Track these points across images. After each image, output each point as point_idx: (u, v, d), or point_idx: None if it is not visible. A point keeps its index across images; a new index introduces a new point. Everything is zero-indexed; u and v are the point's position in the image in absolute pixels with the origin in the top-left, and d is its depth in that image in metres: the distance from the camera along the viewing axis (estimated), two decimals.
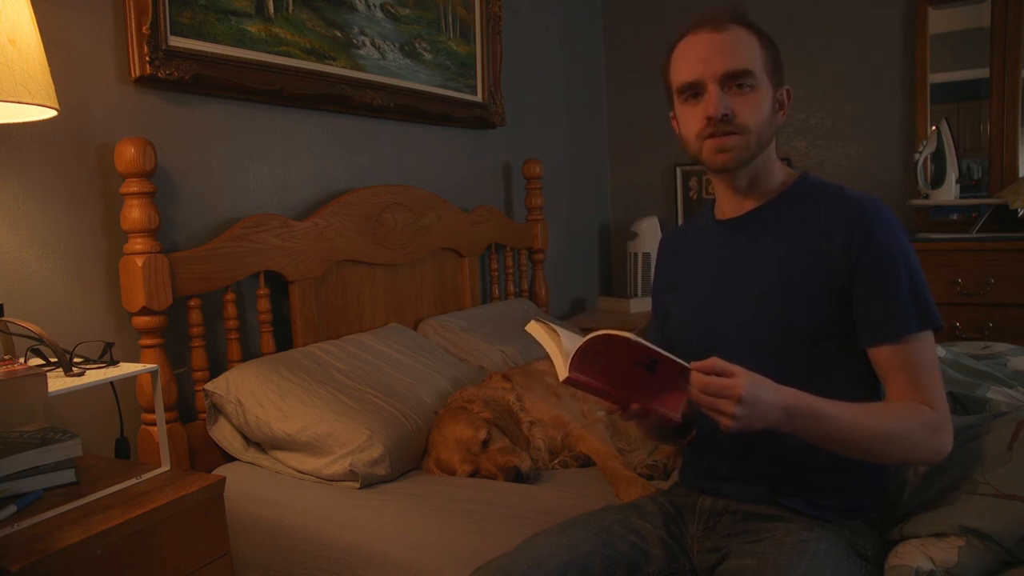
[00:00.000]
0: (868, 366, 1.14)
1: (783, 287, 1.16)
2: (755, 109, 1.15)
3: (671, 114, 1.27)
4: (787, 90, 1.22)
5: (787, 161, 3.35)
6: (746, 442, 1.15)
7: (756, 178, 1.22)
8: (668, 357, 1.00)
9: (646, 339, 1.02)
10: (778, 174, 1.24)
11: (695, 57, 1.15)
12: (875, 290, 1.10)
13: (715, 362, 0.99)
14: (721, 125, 1.13)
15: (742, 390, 0.96)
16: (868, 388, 1.16)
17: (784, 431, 1.02)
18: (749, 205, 1.24)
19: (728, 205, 1.27)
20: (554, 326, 1.06)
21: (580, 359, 0.99)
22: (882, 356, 1.10)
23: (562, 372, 0.99)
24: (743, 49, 1.14)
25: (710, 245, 1.29)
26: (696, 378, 0.99)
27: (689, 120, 1.18)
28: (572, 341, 1.02)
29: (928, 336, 1.10)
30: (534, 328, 1.07)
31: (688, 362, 1.01)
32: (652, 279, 1.44)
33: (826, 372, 1.13)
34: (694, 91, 1.16)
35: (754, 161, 1.18)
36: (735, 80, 1.13)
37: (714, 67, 1.13)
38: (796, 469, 1.15)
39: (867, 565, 1.09)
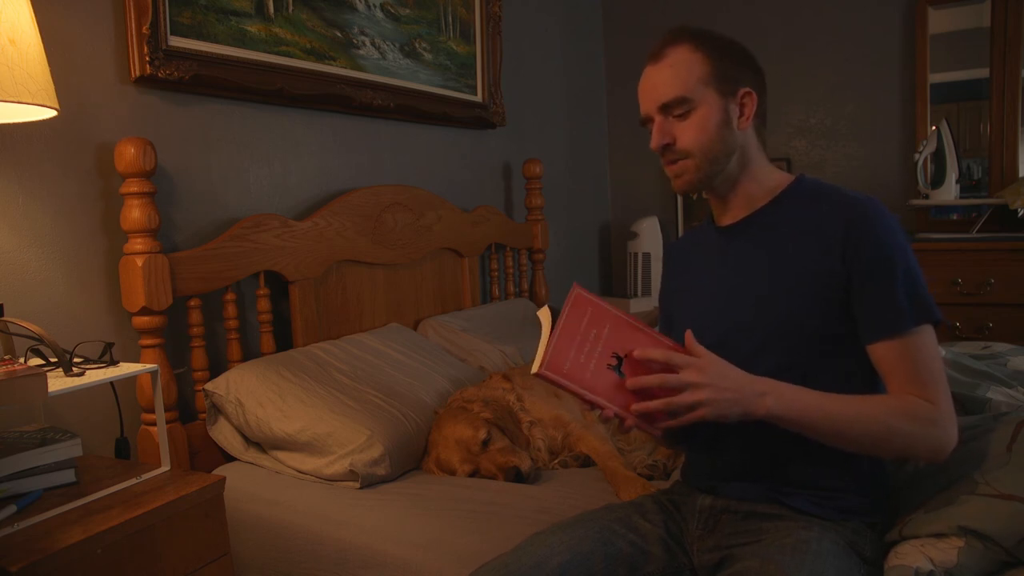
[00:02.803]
0: (869, 367, 1.15)
1: (784, 289, 1.17)
2: (695, 132, 1.17)
3: None
4: (746, 92, 1.20)
5: (787, 161, 3.35)
6: (744, 438, 1.15)
7: (737, 187, 1.23)
8: (634, 320, 1.08)
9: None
10: (768, 178, 1.24)
11: (641, 93, 1.23)
12: (874, 288, 1.11)
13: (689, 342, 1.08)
14: (667, 154, 1.20)
15: (704, 359, 1.05)
16: (868, 388, 1.16)
17: (761, 415, 1.06)
18: (743, 211, 1.25)
19: (722, 213, 1.28)
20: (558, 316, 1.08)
21: (555, 353, 1.02)
22: (881, 353, 1.11)
23: (535, 367, 1.02)
24: (677, 75, 1.17)
25: (712, 251, 1.30)
26: (659, 352, 1.05)
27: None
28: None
29: (928, 331, 1.11)
30: (544, 315, 1.09)
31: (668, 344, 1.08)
32: (659, 287, 1.47)
33: (827, 372, 1.14)
34: (649, 124, 1.23)
35: (721, 175, 1.21)
36: (671, 110, 1.18)
37: (651, 100, 1.20)
38: (798, 467, 1.16)
39: (866, 566, 1.09)
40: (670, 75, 1.18)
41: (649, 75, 1.22)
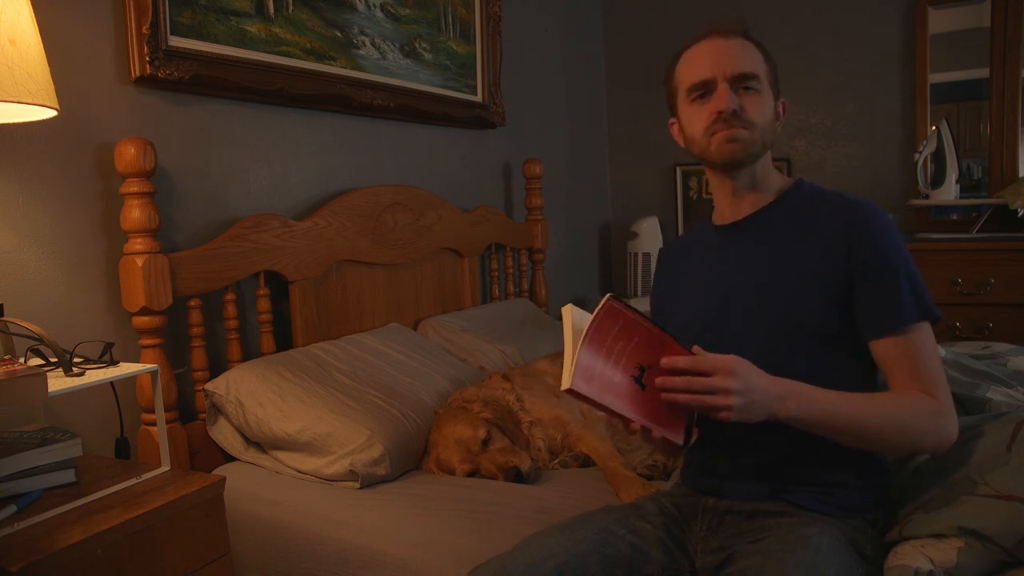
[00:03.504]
0: (867, 364, 1.17)
1: (785, 287, 1.19)
2: (761, 108, 1.21)
3: (671, 121, 1.32)
4: (783, 102, 1.27)
5: (787, 161, 3.35)
6: (749, 438, 1.16)
7: (755, 180, 1.26)
8: (662, 335, 1.06)
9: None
10: (775, 180, 1.28)
11: (707, 59, 1.21)
12: (876, 287, 1.14)
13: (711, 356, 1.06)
14: (731, 119, 1.18)
15: (731, 364, 1.03)
16: (866, 384, 1.18)
17: (782, 417, 1.06)
18: (748, 208, 1.27)
19: (727, 208, 1.29)
20: (584, 318, 1.06)
21: (584, 367, 1.00)
22: (884, 349, 1.14)
23: (565, 382, 1.00)
24: (751, 55, 1.22)
25: (711, 250, 1.32)
26: (688, 360, 1.04)
27: (697, 118, 1.23)
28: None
29: (927, 328, 1.14)
30: (566, 315, 1.07)
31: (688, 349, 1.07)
32: (652, 290, 1.47)
33: (827, 371, 1.15)
34: (704, 90, 1.21)
35: (757, 162, 1.23)
36: (744, 82, 1.19)
37: (725, 67, 1.19)
38: (800, 464, 1.17)
39: (866, 564, 1.10)
40: (746, 52, 1.21)
41: (721, 45, 1.21)
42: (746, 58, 1.20)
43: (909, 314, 1.12)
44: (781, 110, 1.26)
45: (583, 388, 1.00)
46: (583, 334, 1.01)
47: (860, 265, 1.14)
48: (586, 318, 1.06)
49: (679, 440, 1.08)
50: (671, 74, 1.28)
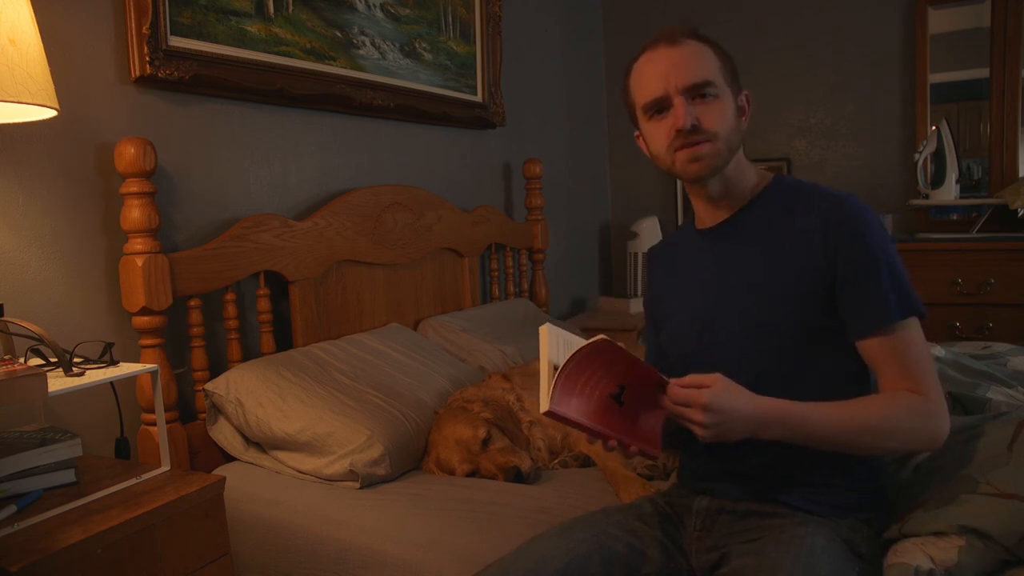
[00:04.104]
0: (856, 361, 1.16)
1: (768, 289, 1.18)
2: (721, 116, 1.17)
3: (636, 134, 1.29)
4: (746, 95, 1.24)
5: (787, 161, 3.35)
6: (745, 442, 1.16)
7: (729, 184, 1.23)
8: (648, 368, 1.06)
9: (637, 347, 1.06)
10: (750, 178, 1.26)
11: (656, 73, 1.18)
12: (858, 283, 1.12)
13: (692, 378, 1.06)
14: (691, 135, 1.16)
15: (705, 399, 1.02)
16: (857, 383, 1.17)
17: (765, 438, 1.07)
18: (724, 213, 1.25)
19: (705, 214, 1.28)
20: (561, 340, 1.07)
21: (562, 388, 1.02)
22: (870, 347, 1.13)
23: (544, 404, 1.01)
24: (701, 60, 1.17)
25: (694, 255, 1.31)
26: (670, 390, 1.05)
27: (658, 135, 1.20)
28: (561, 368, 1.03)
29: (914, 324, 1.12)
30: (543, 336, 1.08)
31: (669, 377, 1.08)
32: (643, 293, 1.46)
33: (816, 370, 1.15)
34: (659, 107, 1.19)
35: (726, 168, 1.21)
36: (698, 91, 1.16)
37: (676, 80, 1.16)
38: (792, 465, 1.16)
39: (862, 563, 1.10)
40: (696, 59, 1.17)
41: (667, 57, 1.17)
42: (697, 65, 1.16)
43: (892, 312, 1.10)
44: (745, 104, 1.23)
45: (561, 410, 1.01)
46: (567, 360, 1.01)
47: (841, 262, 1.12)
48: (563, 338, 1.07)
49: (656, 452, 1.10)
50: (626, 89, 1.25)
